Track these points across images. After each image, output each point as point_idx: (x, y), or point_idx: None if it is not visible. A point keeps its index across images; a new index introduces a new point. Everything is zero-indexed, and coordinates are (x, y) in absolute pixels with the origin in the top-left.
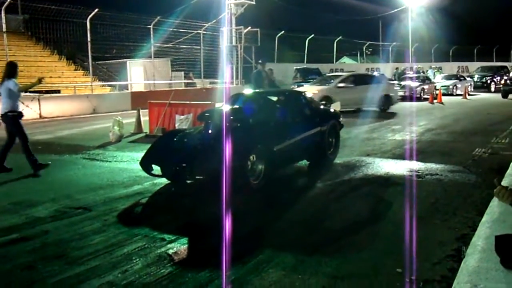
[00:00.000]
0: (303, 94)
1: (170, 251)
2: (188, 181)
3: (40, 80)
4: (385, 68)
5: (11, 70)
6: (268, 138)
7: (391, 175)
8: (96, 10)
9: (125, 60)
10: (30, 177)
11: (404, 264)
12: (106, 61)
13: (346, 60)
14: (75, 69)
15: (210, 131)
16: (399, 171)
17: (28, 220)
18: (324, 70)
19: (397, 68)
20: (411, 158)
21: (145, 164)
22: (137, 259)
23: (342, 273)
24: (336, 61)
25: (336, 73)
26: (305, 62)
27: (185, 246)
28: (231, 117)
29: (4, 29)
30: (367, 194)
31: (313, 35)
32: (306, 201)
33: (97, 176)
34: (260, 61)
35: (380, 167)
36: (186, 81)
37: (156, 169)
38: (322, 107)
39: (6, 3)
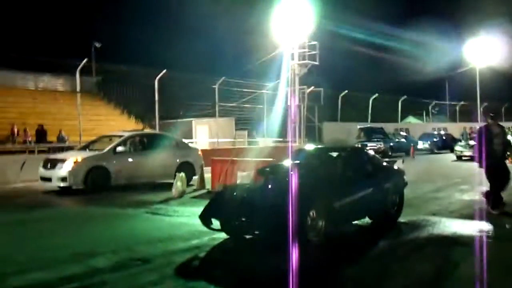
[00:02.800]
0: (365, 150)
1: None
2: (247, 236)
3: None
4: (453, 128)
5: None
6: (328, 194)
7: (458, 235)
8: (164, 71)
9: (190, 119)
10: (92, 227)
11: None
12: (173, 120)
13: (411, 119)
14: (143, 128)
15: (270, 186)
16: (467, 232)
17: (89, 270)
18: (389, 129)
19: (464, 128)
20: (480, 219)
21: (205, 217)
22: None
23: None
24: (401, 120)
25: (115, 133)
26: (369, 121)
27: None
28: (292, 172)
29: (78, 89)
30: (432, 254)
31: (377, 94)
32: (367, 260)
33: (158, 230)
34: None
35: (446, 227)
36: (249, 139)
37: (216, 223)
38: (384, 164)
39: (81, 64)
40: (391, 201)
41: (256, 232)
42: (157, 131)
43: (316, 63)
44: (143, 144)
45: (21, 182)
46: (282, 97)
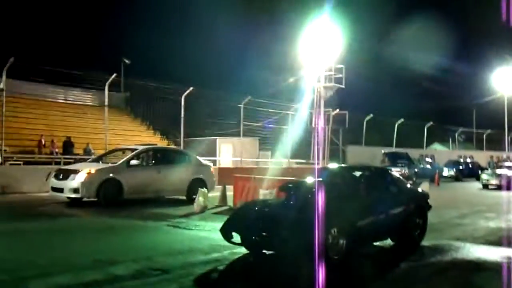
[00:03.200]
0: (389, 171)
1: None
2: (267, 252)
3: None
4: (479, 156)
5: None
6: (350, 212)
7: (482, 260)
8: (191, 88)
9: (215, 138)
10: (113, 237)
11: None
12: (197, 138)
13: (437, 146)
14: (168, 144)
15: (292, 202)
16: (492, 257)
17: (108, 277)
18: (414, 155)
19: (491, 157)
20: (507, 245)
21: (226, 231)
22: None
23: None
24: (426, 147)
25: (128, 146)
26: (393, 146)
27: None
28: (314, 190)
29: (106, 103)
30: (455, 278)
31: (402, 119)
32: (387, 281)
33: (178, 242)
34: None
35: (470, 252)
36: (272, 159)
37: (237, 238)
38: (409, 186)
39: (110, 79)
40: (414, 224)
41: (276, 248)
42: (171, 146)
43: (342, 86)
44: (156, 158)
45: (46, 192)
46: (306, 119)
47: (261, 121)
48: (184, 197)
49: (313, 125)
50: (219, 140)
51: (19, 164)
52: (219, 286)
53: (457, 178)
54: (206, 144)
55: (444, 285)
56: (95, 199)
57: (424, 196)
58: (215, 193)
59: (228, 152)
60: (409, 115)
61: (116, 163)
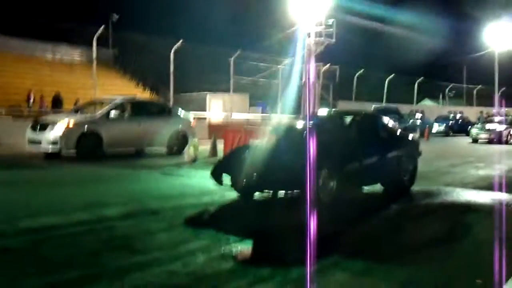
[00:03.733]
0: (380, 117)
1: (234, 250)
2: (256, 194)
3: None
4: (469, 112)
5: None
6: (340, 155)
7: (472, 202)
8: (180, 41)
9: (205, 92)
10: (104, 185)
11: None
12: (187, 93)
13: (427, 102)
14: (157, 100)
15: (282, 144)
16: (481, 200)
17: (98, 217)
18: (404, 110)
19: (481, 112)
20: (496, 189)
21: (216, 173)
22: (200, 254)
23: (414, 279)
24: (417, 103)
25: (106, 97)
26: (384, 101)
27: (249, 247)
28: (304, 132)
29: (94, 57)
30: (445, 217)
31: (393, 74)
32: (378, 219)
33: (169, 188)
34: None
35: (460, 196)
36: (262, 114)
37: (227, 181)
38: (399, 131)
39: (98, 32)
40: (405, 169)
41: (265, 191)
42: (150, 98)
43: (333, 41)
44: (135, 110)
45: None
46: (297, 73)
47: (252, 76)
48: (164, 150)
49: (303, 80)
50: (209, 96)
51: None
52: (209, 224)
53: (447, 133)
54: (196, 99)
55: (434, 223)
56: (74, 152)
57: (415, 142)
58: (205, 146)
59: (218, 107)
60: (400, 70)
61: (95, 114)
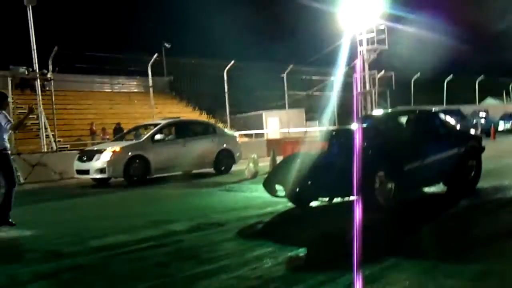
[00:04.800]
0: (436, 113)
1: (299, 254)
2: (312, 204)
3: (31, 109)
4: None
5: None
6: (398, 155)
7: None
8: (232, 61)
9: (261, 111)
10: (168, 203)
11: None
12: (243, 114)
13: (490, 101)
14: (215, 122)
15: (335, 148)
16: None
17: (165, 232)
18: (467, 111)
19: None
20: None
21: (269, 184)
22: (267, 260)
23: (486, 274)
24: (479, 102)
25: (150, 121)
26: (444, 104)
27: (313, 251)
28: (358, 135)
29: (150, 84)
30: None
31: (452, 75)
32: (452, 215)
33: (232, 202)
34: None
35: None
36: (320, 128)
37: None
38: (458, 128)
39: (152, 59)
40: (467, 166)
41: (321, 198)
42: (194, 118)
43: (386, 47)
44: (180, 132)
45: None
46: (352, 83)
47: (305, 90)
48: (212, 170)
49: (359, 90)
50: (265, 114)
51: (73, 151)
52: (274, 232)
53: None
54: (253, 119)
55: (509, 215)
56: (122, 178)
57: (476, 137)
58: (265, 163)
59: (275, 124)
60: (458, 70)
61: (140, 139)
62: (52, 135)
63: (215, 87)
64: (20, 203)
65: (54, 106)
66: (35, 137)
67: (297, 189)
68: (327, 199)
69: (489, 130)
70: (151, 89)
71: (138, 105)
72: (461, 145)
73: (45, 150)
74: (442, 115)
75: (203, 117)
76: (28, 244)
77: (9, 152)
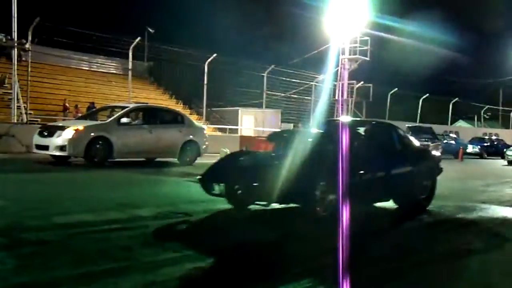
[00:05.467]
0: (395, 127)
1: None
2: (251, 206)
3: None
4: (505, 135)
5: None
6: (345, 168)
7: (509, 218)
8: (214, 55)
9: (237, 108)
10: (135, 188)
11: None
12: (219, 108)
13: (461, 123)
14: (190, 113)
15: (280, 152)
16: None
17: (131, 217)
18: (438, 131)
19: None
20: None
21: (204, 181)
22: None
23: None
24: (451, 124)
25: (118, 104)
26: (417, 121)
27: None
28: (306, 140)
29: (130, 67)
30: (481, 229)
31: (427, 94)
32: (410, 230)
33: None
34: None
35: (496, 212)
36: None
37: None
38: (418, 145)
39: (134, 43)
40: (421, 186)
41: (257, 203)
42: (164, 106)
43: (367, 58)
44: (148, 118)
45: None
46: (330, 90)
47: (284, 92)
48: (176, 160)
49: (336, 97)
50: (241, 111)
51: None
52: (240, 226)
53: (481, 155)
54: (228, 114)
55: (469, 234)
56: (82, 159)
57: (434, 157)
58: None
59: (250, 122)
60: (434, 91)
61: (105, 120)
62: (24, 107)
63: (194, 78)
64: None
65: (29, 78)
66: (6, 107)
67: (235, 191)
68: (264, 203)
69: (457, 152)
70: (130, 72)
71: (115, 87)
72: (416, 164)
73: (15, 121)
74: (401, 131)
75: (179, 107)
76: None
77: None
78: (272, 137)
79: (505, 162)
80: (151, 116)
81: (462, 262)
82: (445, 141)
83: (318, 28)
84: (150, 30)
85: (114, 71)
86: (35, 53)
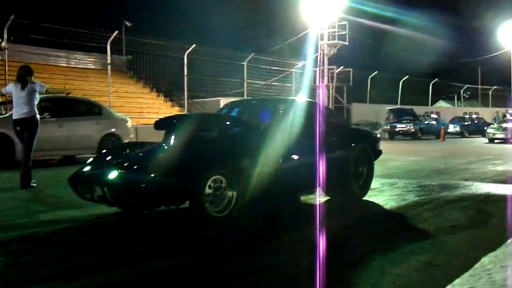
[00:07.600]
0: (319, 105)
1: None
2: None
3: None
4: (485, 113)
5: (30, 71)
6: (246, 154)
7: (492, 194)
8: (194, 45)
9: (218, 98)
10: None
11: None
12: (201, 99)
13: (442, 103)
14: (172, 106)
15: (169, 142)
16: (500, 192)
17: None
18: (419, 112)
19: (497, 112)
20: None
21: (74, 181)
22: None
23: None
24: (431, 104)
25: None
26: (398, 103)
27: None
28: (200, 126)
29: (109, 61)
30: (465, 206)
31: (407, 76)
32: (394, 211)
33: None
34: None
35: (479, 189)
36: None
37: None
38: (353, 126)
39: (112, 36)
40: (355, 172)
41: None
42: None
43: (346, 43)
44: (57, 110)
45: None
46: (310, 76)
47: (265, 79)
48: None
49: (316, 83)
50: (222, 101)
51: None
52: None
53: (462, 134)
54: (210, 104)
55: (455, 211)
56: None
57: (371, 138)
58: None
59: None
60: (414, 72)
61: (4, 114)
62: (4, 107)
63: (174, 70)
64: None
65: (7, 77)
66: None
67: (105, 195)
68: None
69: (439, 132)
70: (109, 67)
71: (94, 82)
72: (348, 146)
73: None
74: (328, 110)
75: (160, 100)
76: None
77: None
78: (159, 124)
79: (486, 140)
80: (62, 108)
81: (448, 238)
82: (426, 122)
83: (297, 15)
84: (128, 23)
85: (93, 67)
86: (12, 52)
